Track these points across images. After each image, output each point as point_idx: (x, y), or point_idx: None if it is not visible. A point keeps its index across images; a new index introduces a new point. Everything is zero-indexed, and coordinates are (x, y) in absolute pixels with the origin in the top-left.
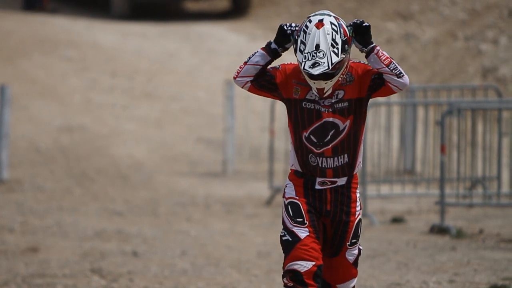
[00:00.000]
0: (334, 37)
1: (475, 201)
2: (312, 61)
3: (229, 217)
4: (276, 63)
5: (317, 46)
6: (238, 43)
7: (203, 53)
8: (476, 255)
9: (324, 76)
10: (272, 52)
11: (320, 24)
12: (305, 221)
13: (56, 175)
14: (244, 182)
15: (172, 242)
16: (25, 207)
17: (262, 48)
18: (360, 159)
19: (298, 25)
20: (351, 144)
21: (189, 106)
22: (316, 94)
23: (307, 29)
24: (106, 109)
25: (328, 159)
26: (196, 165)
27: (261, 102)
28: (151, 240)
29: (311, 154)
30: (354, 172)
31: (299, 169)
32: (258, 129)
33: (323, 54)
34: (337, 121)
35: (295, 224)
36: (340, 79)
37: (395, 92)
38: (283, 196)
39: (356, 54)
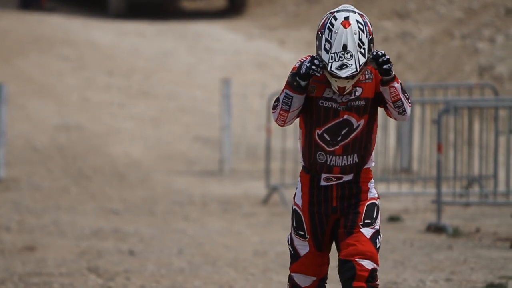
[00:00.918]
0: (360, 37)
1: (472, 200)
2: (340, 62)
3: (226, 216)
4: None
5: (345, 47)
6: (234, 42)
7: (199, 52)
8: (473, 253)
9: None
10: (304, 88)
11: (346, 22)
12: (306, 235)
13: (53, 173)
14: (241, 181)
15: (169, 241)
16: (22, 206)
17: (294, 91)
18: (371, 157)
19: (322, 62)
20: (363, 143)
21: (185, 105)
22: (336, 91)
23: (332, 27)
24: (103, 108)
25: (338, 157)
26: (193, 163)
27: (258, 101)
28: (148, 239)
29: (320, 152)
30: (364, 167)
31: (307, 166)
32: (255, 128)
33: (350, 55)
34: (351, 119)
35: (297, 236)
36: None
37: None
38: (293, 197)
39: None
